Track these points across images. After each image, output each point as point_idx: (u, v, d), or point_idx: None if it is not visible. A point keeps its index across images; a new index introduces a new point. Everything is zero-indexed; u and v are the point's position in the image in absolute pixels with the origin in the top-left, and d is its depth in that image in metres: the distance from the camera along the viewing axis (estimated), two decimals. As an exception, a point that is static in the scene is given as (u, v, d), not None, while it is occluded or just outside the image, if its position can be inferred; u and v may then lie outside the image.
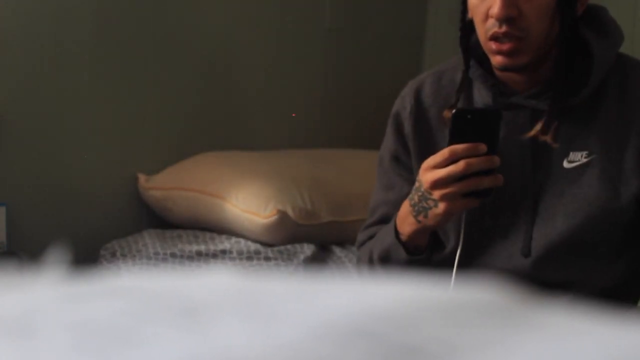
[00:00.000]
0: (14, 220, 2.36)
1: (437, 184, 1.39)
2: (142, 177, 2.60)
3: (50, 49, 2.43)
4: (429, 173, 1.40)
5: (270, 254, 2.34)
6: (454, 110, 1.39)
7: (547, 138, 1.45)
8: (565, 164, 1.48)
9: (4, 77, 2.37)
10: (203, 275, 0.47)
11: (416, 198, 1.44)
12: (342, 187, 2.50)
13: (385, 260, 1.54)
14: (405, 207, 1.48)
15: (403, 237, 1.50)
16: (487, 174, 1.39)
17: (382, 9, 3.05)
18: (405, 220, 1.49)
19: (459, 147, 1.38)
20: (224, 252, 2.34)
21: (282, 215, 2.36)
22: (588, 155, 1.47)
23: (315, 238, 2.42)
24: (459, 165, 1.37)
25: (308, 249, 2.37)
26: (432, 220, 1.43)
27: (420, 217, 1.44)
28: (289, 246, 2.38)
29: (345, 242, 2.41)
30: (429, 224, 1.44)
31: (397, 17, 3.07)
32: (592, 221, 1.46)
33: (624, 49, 1.53)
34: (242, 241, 2.39)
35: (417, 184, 1.44)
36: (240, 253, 2.35)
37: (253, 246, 2.37)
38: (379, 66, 2.99)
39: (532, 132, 1.46)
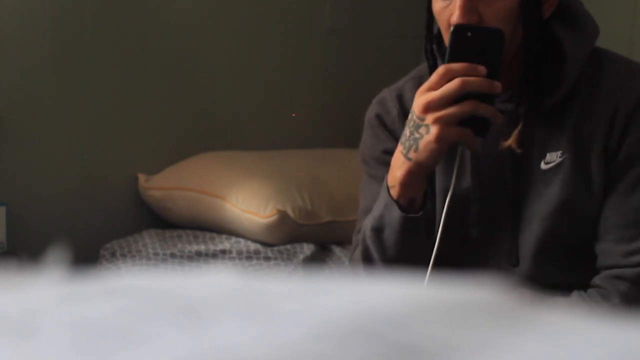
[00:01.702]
0: (14, 220, 2.36)
1: (430, 106, 1.30)
2: (142, 177, 2.60)
3: (50, 49, 2.43)
4: (422, 96, 1.32)
5: (270, 254, 2.35)
6: (452, 26, 1.31)
7: (511, 143, 1.40)
8: (542, 166, 1.43)
9: (4, 77, 2.37)
10: (203, 275, 0.47)
11: (407, 132, 1.35)
12: (342, 187, 2.50)
13: (378, 231, 1.43)
14: (397, 151, 1.39)
15: (396, 189, 1.39)
16: (486, 102, 1.30)
17: (382, 9, 3.05)
18: (396, 165, 1.39)
19: (455, 65, 1.30)
20: (223, 252, 2.34)
21: (282, 215, 2.36)
22: (562, 155, 1.42)
23: (315, 238, 2.42)
24: (455, 83, 1.29)
25: (308, 249, 2.37)
26: (423, 152, 1.33)
27: (411, 153, 1.35)
28: (288, 246, 2.38)
29: (345, 242, 2.41)
30: (421, 159, 1.34)
31: (397, 17, 3.08)
32: (568, 222, 1.42)
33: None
34: (242, 241, 2.39)
35: (409, 116, 1.36)
36: (240, 253, 2.35)
37: (253, 246, 2.37)
38: (379, 66, 2.99)
39: (509, 142, 1.40)
